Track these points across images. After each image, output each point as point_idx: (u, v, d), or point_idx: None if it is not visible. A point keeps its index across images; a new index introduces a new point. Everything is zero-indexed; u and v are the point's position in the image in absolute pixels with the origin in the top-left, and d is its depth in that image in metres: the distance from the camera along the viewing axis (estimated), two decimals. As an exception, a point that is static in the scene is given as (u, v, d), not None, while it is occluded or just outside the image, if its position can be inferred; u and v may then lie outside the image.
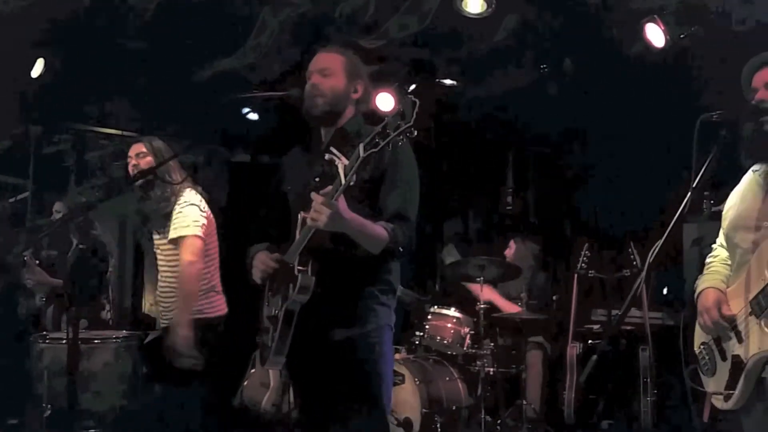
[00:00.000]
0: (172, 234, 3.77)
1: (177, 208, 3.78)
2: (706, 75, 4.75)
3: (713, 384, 2.44)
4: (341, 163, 2.40)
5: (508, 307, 5.83)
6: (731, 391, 2.32)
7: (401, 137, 2.33)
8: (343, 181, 2.40)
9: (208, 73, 5.52)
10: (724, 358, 2.40)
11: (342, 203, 2.46)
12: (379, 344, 2.73)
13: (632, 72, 5.25)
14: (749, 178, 2.50)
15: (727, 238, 2.52)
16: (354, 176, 2.39)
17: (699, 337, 2.52)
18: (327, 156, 2.45)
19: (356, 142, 2.43)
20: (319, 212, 2.43)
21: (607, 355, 5.25)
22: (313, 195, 2.47)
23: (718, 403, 2.40)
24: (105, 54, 5.41)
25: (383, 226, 2.62)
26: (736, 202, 2.51)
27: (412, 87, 5.55)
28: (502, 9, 4.90)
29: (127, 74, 5.56)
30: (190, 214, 3.77)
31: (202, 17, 5.02)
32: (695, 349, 2.52)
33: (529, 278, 5.99)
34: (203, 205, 3.86)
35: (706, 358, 2.47)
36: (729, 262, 2.53)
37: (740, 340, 2.33)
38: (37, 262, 5.41)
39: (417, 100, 2.31)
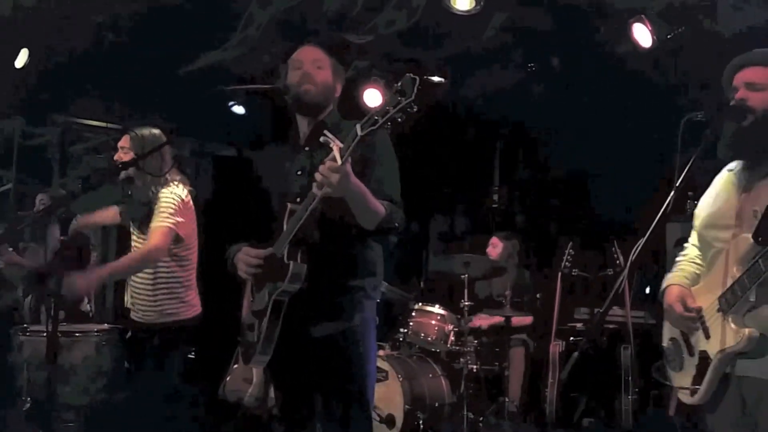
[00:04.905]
0: (151, 224, 3.66)
1: (158, 201, 3.67)
2: (692, 75, 4.77)
3: (679, 379, 2.48)
4: (336, 145, 2.35)
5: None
6: (697, 386, 2.36)
7: (401, 114, 2.25)
8: (341, 160, 2.31)
9: (194, 66, 5.49)
10: (691, 354, 2.43)
11: (348, 167, 2.38)
12: (364, 338, 2.70)
13: (619, 71, 5.27)
14: (724, 178, 2.52)
15: (700, 236, 2.55)
16: (350, 156, 2.34)
17: (668, 332, 2.55)
18: (322, 138, 2.38)
19: (335, 133, 2.39)
20: (327, 177, 2.34)
21: (588, 354, 5.26)
22: (320, 169, 2.36)
23: (684, 397, 2.44)
24: (90, 46, 5.36)
25: (380, 201, 2.57)
26: (709, 201, 2.54)
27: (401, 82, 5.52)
28: (490, 7, 4.90)
29: (113, 66, 5.51)
30: (169, 206, 3.66)
31: (190, 10, 4.99)
32: (664, 344, 2.56)
33: (514, 276, 6.00)
34: (186, 198, 3.74)
35: (674, 353, 2.50)
36: (698, 261, 2.57)
37: (707, 336, 2.36)
38: (11, 249, 5.35)
39: (417, 77, 2.24)
